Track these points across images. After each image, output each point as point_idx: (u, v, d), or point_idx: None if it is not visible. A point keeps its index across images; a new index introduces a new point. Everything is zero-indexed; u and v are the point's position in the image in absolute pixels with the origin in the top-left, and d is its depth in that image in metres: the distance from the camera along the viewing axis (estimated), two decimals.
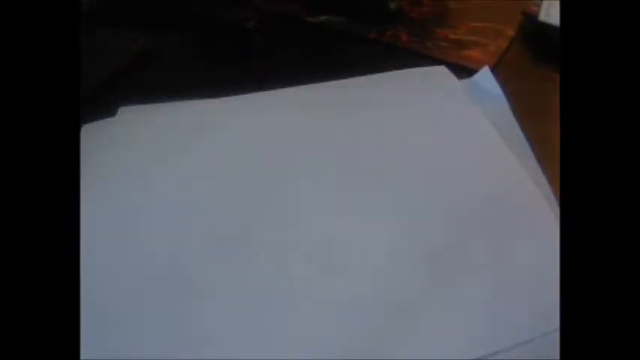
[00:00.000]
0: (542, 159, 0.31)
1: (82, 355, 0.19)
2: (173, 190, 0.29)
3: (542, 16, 0.41)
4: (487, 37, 0.43)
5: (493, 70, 0.37)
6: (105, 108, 0.34)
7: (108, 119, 0.34)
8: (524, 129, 0.33)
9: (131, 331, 0.23)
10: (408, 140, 0.32)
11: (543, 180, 0.29)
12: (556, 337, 0.18)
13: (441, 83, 0.36)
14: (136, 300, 0.24)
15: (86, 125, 0.33)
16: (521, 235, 0.26)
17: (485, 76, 0.37)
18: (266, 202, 0.28)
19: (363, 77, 0.37)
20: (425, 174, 0.29)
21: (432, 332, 0.22)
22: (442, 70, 0.37)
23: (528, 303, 0.23)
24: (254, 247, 0.26)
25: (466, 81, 0.37)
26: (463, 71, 0.38)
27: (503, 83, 0.36)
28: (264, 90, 0.36)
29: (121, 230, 0.27)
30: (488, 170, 0.29)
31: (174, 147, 0.32)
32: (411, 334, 0.22)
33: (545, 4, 0.42)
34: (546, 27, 0.40)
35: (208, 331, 0.23)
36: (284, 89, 0.36)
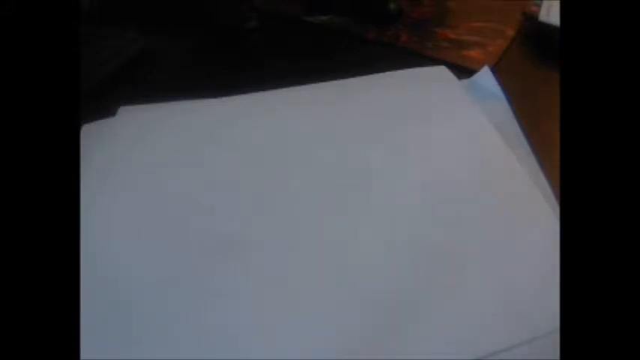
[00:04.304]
0: (542, 159, 0.31)
1: (82, 355, 0.19)
2: (173, 190, 0.29)
3: (542, 16, 0.41)
4: (487, 37, 0.43)
5: (493, 70, 0.37)
6: (105, 108, 0.34)
7: (108, 119, 0.34)
8: (524, 129, 0.33)
9: (131, 331, 0.23)
10: (408, 140, 0.32)
11: (543, 180, 0.29)
12: (556, 337, 0.18)
13: (441, 83, 0.36)
14: (136, 300, 0.24)
15: (86, 125, 0.33)
16: (521, 234, 0.26)
17: (485, 76, 0.37)
18: (266, 202, 0.28)
19: (363, 77, 0.37)
20: (425, 174, 0.29)
21: (433, 332, 0.22)
22: (442, 70, 0.37)
23: (528, 303, 0.23)
24: (254, 247, 0.26)
25: (466, 81, 0.37)
26: (463, 71, 0.38)
27: (503, 83, 0.36)
28: (264, 90, 0.36)
29: (121, 230, 0.27)
30: (489, 170, 0.29)
31: (174, 147, 0.32)
32: (411, 334, 0.22)
33: (545, 4, 0.42)
34: (546, 27, 0.40)
35: (208, 332, 0.23)
36: (284, 89, 0.36)
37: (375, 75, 0.37)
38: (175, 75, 0.41)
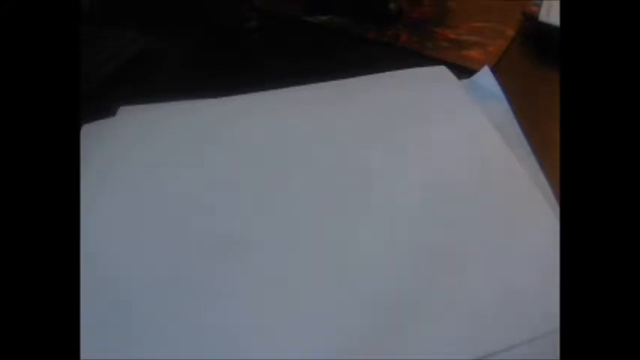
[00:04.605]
0: (542, 159, 0.31)
1: (82, 355, 0.19)
2: (173, 190, 0.29)
3: (542, 16, 0.41)
4: (487, 37, 0.43)
5: (493, 70, 0.37)
6: (105, 108, 0.34)
7: (108, 119, 0.34)
8: (524, 129, 0.33)
9: (131, 331, 0.23)
10: (408, 140, 0.32)
11: (543, 180, 0.29)
12: (556, 337, 0.18)
13: (441, 83, 0.36)
14: (136, 300, 0.24)
15: (86, 125, 0.33)
16: (521, 234, 0.26)
17: (485, 76, 0.37)
18: (266, 202, 0.28)
19: (363, 77, 0.37)
20: (425, 174, 0.29)
21: (433, 332, 0.22)
22: (442, 70, 0.37)
23: (528, 303, 0.23)
24: (254, 247, 0.26)
25: (466, 81, 0.37)
26: (463, 71, 0.38)
27: (503, 83, 0.36)
28: (263, 90, 0.36)
29: (121, 230, 0.27)
30: (489, 170, 0.29)
31: (174, 147, 0.32)
32: (411, 334, 0.22)
33: (545, 4, 0.42)
34: (546, 27, 0.40)
35: (208, 332, 0.23)
36: (284, 89, 0.36)
37: (375, 75, 0.37)
38: (175, 75, 0.41)
